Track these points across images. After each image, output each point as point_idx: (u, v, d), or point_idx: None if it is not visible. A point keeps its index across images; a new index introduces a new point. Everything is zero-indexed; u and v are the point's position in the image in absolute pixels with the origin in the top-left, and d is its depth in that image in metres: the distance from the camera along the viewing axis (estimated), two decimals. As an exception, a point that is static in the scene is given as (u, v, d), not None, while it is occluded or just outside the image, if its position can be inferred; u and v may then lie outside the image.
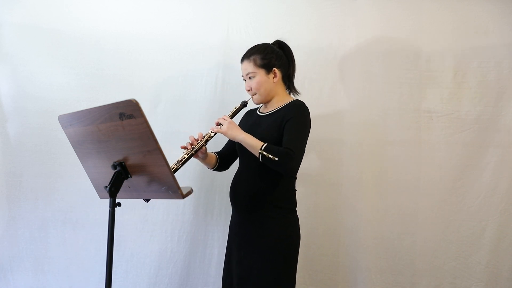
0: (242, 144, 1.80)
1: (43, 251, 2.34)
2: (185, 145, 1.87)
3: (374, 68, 2.43)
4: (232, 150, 2.07)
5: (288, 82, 1.99)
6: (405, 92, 2.43)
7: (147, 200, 1.74)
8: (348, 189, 2.42)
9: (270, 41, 1.99)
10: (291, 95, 2.01)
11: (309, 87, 2.41)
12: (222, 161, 2.07)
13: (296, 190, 1.93)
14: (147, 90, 2.36)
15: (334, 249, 2.42)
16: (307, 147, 2.45)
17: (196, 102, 2.38)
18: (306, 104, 1.86)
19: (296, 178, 1.92)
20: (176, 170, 1.77)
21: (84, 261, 2.34)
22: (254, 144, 1.75)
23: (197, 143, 1.85)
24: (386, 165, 2.43)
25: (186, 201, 2.35)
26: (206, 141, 1.87)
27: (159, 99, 2.38)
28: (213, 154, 2.04)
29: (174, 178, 1.43)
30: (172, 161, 1.82)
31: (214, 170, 2.09)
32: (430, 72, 2.43)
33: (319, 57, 2.42)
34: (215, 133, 1.86)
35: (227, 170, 2.12)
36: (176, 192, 1.46)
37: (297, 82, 2.39)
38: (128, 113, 1.36)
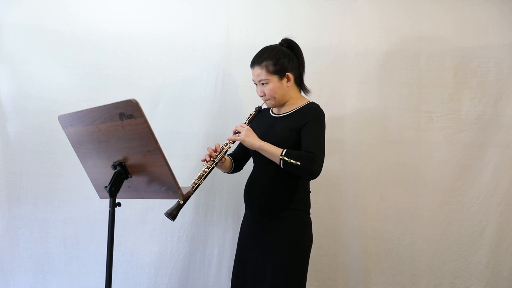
0: (260, 152, 1.77)
1: (43, 251, 2.33)
2: (205, 157, 1.84)
3: (374, 68, 2.43)
4: (244, 151, 2.04)
5: (300, 81, 1.95)
6: (405, 92, 2.43)
7: None
8: (348, 188, 2.42)
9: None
10: (302, 93, 1.98)
11: (309, 87, 2.39)
12: (236, 164, 2.05)
13: (310, 192, 1.92)
14: (147, 90, 2.36)
15: (334, 249, 2.42)
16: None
17: (196, 102, 2.38)
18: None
19: (310, 179, 1.90)
20: (199, 185, 1.78)
21: (84, 261, 2.34)
22: (273, 151, 1.73)
23: (216, 155, 1.82)
24: (386, 165, 2.43)
25: (186, 201, 2.35)
26: (225, 152, 1.85)
27: (159, 99, 2.38)
28: (228, 158, 2.01)
29: (174, 178, 1.43)
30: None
31: (229, 173, 2.07)
32: (430, 72, 2.43)
33: (319, 57, 2.41)
34: (233, 143, 1.84)
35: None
36: (176, 192, 1.45)
37: (297, 82, 2.40)
38: (128, 113, 1.35)
